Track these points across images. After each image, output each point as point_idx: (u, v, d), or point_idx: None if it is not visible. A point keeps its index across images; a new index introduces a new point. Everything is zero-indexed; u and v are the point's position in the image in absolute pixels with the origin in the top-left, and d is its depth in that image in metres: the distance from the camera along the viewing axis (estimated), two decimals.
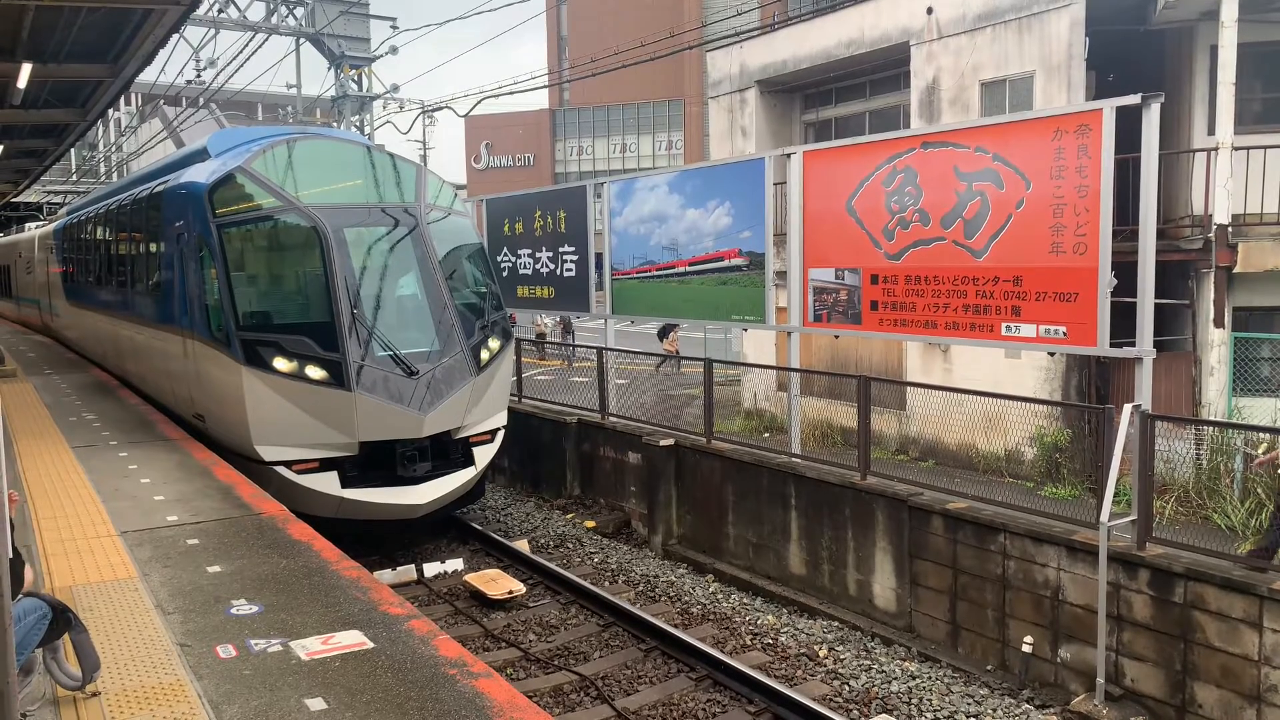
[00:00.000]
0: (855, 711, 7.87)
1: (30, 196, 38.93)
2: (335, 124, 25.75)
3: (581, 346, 20.72)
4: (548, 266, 15.99)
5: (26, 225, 35.26)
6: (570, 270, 15.44)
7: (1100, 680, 7.68)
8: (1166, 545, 7.76)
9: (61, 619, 4.62)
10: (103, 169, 48.91)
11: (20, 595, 4.58)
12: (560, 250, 15.63)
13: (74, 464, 9.88)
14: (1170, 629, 7.47)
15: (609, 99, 64.60)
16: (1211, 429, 10.76)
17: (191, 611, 5.93)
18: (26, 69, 11.84)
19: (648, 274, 13.68)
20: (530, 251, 16.42)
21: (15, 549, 4.71)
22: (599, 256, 14.70)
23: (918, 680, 8.43)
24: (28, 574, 4.81)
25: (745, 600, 10.54)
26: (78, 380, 16.50)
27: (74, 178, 46.81)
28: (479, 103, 25.72)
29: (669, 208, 13.19)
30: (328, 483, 10.21)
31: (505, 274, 16.86)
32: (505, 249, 17.05)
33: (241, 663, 5.18)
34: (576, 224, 15.21)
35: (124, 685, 4.91)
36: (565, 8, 70.02)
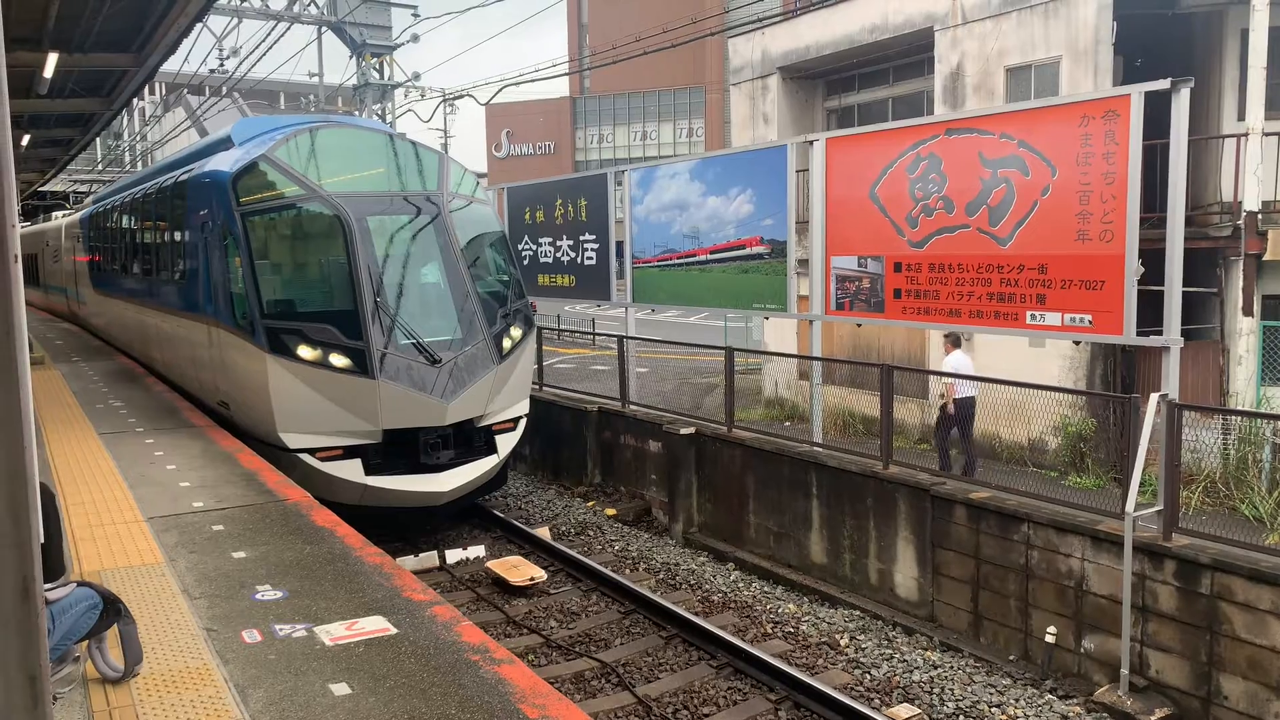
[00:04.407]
0: (877, 701, 7.85)
1: (56, 185, 39.35)
2: (357, 112, 25.81)
3: (602, 335, 20.72)
4: (569, 255, 15.99)
5: (53, 214, 35.60)
6: (591, 258, 15.43)
7: (1125, 671, 7.63)
8: (1193, 536, 7.69)
9: (111, 609, 4.65)
10: (128, 158, 49.32)
11: (73, 583, 4.63)
12: (581, 238, 15.62)
13: (101, 450, 9.99)
14: (1196, 620, 7.40)
15: (630, 86, 64.43)
16: (1239, 418, 10.64)
17: (217, 597, 5.98)
18: (53, 58, 11.94)
19: (669, 262, 13.66)
20: (551, 240, 16.42)
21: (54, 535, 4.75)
22: (620, 244, 14.69)
23: (940, 670, 8.40)
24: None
25: (766, 589, 10.54)
26: (104, 367, 16.68)
27: (99, 167, 47.21)
28: (500, 91, 25.73)
29: (690, 195, 13.15)
30: (351, 470, 10.27)
31: (526, 262, 16.87)
32: (526, 237, 17.06)
33: (267, 647, 5.22)
34: (597, 212, 15.19)
35: (151, 669, 4.96)
36: None
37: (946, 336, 11.62)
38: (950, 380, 11.03)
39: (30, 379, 1.69)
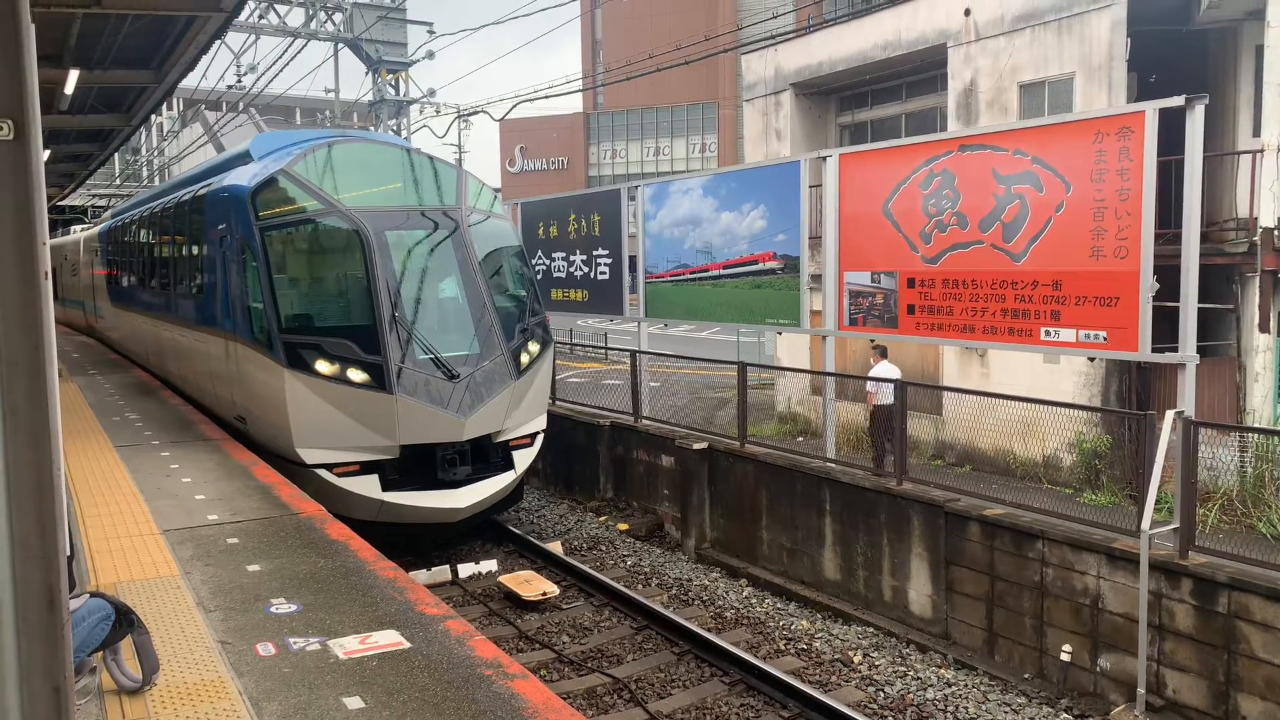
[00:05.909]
0: (890, 718, 7.81)
1: (75, 200, 39.71)
2: (373, 128, 26.00)
3: (615, 349, 20.76)
4: (582, 269, 16.05)
5: (71, 228, 35.93)
6: (604, 273, 15.48)
7: (1141, 690, 7.58)
8: (1209, 554, 7.64)
9: (124, 620, 4.67)
10: (145, 173, 49.77)
11: (85, 594, 4.65)
12: (594, 253, 15.67)
13: (117, 463, 10.05)
14: (1213, 639, 7.35)
15: (643, 102, 64.70)
16: (1256, 436, 10.58)
17: (232, 610, 6.01)
18: (74, 75, 12.10)
19: (682, 277, 13.69)
20: (565, 254, 16.48)
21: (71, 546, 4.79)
22: (633, 259, 14.73)
23: (954, 688, 8.36)
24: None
25: (779, 605, 10.51)
26: (121, 380, 16.79)
27: (117, 181, 47.63)
28: (514, 107, 25.89)
29: (703, 211, 13.18)
30: (368, 486, 10.27)
31: (540, 277, 16.92)
32: (540, 252, 17.13)
33: (281, 661, 5.24)
34: (611, 227, 15.25)
35: (167, 681, 4.98)
36: (600, 12, 70.20)
37: (875, 347, 12.24)
38: (872, 388, 12.08)
39: (59, 394, 1.72)
